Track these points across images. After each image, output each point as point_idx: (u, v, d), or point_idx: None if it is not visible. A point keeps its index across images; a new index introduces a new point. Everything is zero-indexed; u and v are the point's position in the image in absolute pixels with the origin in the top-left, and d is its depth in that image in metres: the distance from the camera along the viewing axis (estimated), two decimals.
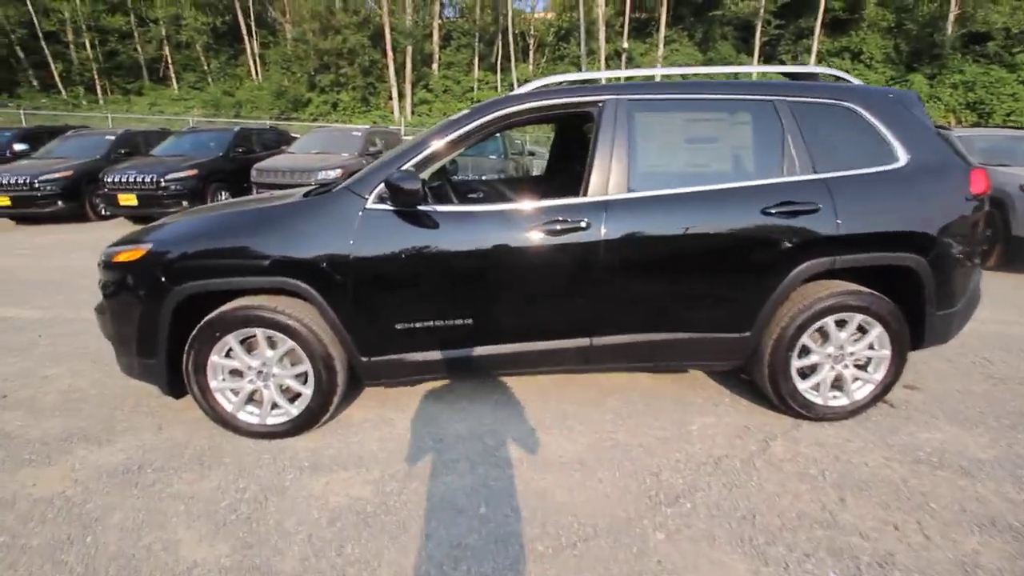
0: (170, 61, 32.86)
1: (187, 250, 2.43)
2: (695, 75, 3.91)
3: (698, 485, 2.23)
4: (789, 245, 2.45)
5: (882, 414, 2.82)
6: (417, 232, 2.38)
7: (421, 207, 2.38)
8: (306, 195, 2.65)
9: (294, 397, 2.60)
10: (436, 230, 2.39)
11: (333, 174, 8.71)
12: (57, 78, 30.23)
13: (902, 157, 2.54)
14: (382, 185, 2.37)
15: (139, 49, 32.16)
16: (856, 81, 2.72)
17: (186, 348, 2.46)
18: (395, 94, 31.89)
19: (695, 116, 2.53)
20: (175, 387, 2.58)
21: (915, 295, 2.59)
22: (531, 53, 35.74)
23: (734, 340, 2.60)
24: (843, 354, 2.65)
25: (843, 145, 2.53)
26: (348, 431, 2.66)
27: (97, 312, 2.69)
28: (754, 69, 2.82)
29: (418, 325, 2.46)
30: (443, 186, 3.34)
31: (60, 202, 9.26)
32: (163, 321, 2.43)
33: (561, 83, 2.60)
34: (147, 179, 8.78)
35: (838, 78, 2.74)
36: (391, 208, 2.39)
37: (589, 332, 2.54)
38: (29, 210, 9.15)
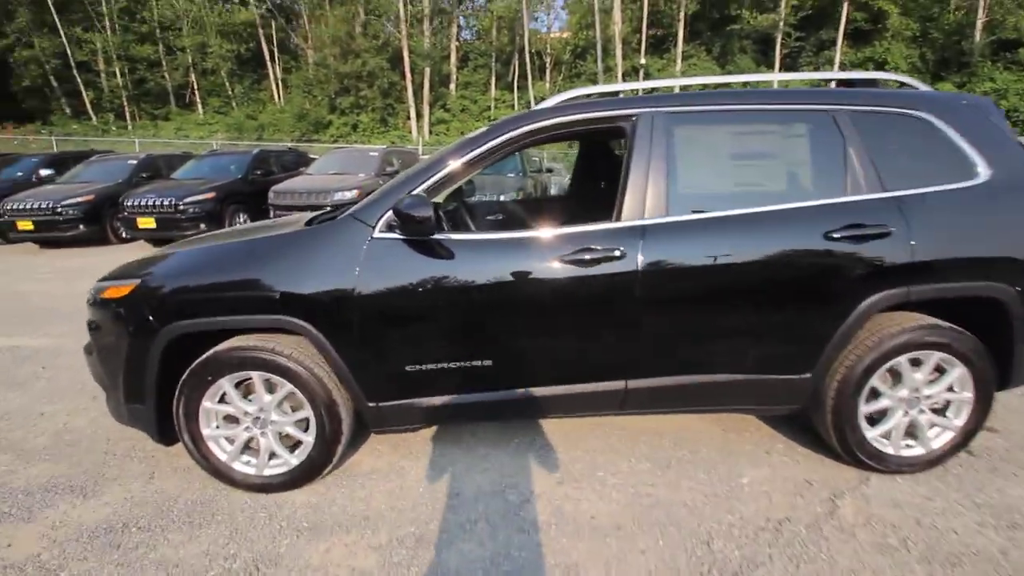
0: (196, 87, 33.74)
1: (177, 285, 2.21)
2: (736, 85, 3.62)
3: (758, 559, 1.89)
4: (857, 274, 2.13)
5: (962, 465, 2.45)
6: (430, 263, 2.13)
7: (434, 236, 2.12)
8: (309, 223, 2.42)
9: (294, 446, 2.34)
10: (451, 261, 2.13)
11: (350, 195, 8.60)
12: (88, 105, 31.21)
13: (983, 172, 2.21)
14: (390, 212, 2.13)
15: (166, 76, 33.09)
16: (924, 87, 2.41)
17: (176, 393, 2.22)
18: (413, 114, 32.22)
19: (742, 129, 2.25)
20: (166, 434, 2.34)
21: (1001, 329, 2.24)
22: (548, 71, 35.86)
23: (792, 382, 2.27)
24: (918, 397, 2.30)
25: (914, 159, 2.22)
26: (354, 483, 2.39)
27: (85, 352, 2.48)
28: (804, 76, 2.52)
29: (431, 367, 2.19)
30: (458, 209, 3.09)
31: (82, 226, 9.32)
32: (151, 363, 2.21)
33: (589, 96, 2.34)
34: (165, 202, 8.79)
35: (902, 84, 2.44)
36: (401, 237, 2.14)
37: (624, 374, 2.24)
38: (52, 234, 9.22)
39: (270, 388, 2.26)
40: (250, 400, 2.28)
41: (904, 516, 2.10)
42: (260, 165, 10.50)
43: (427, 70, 32.16)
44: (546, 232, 2.18)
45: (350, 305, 2.11)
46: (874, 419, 2.35)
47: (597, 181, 3.49)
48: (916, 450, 2.38)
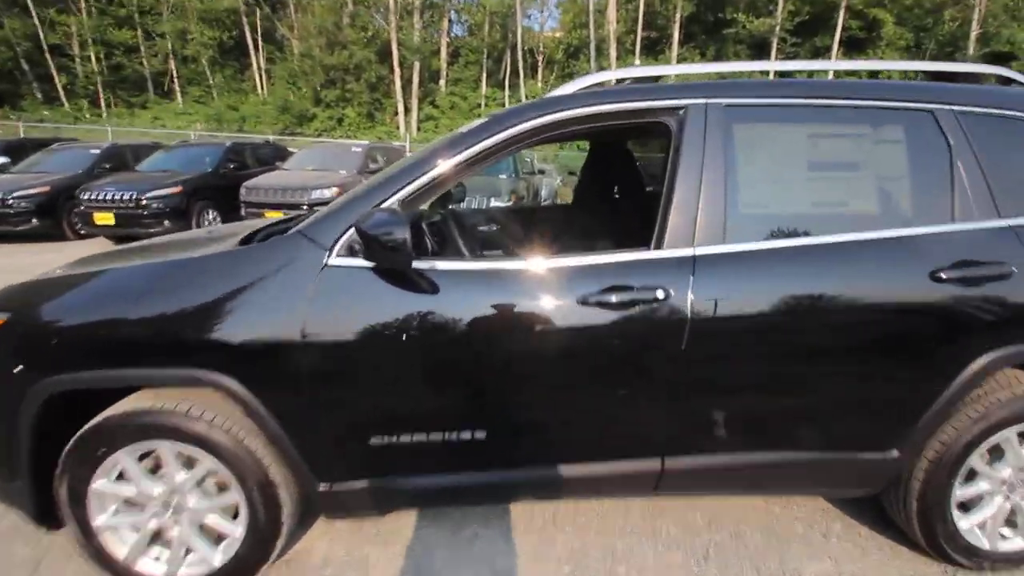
0: (175, 75, 32.53)
1: (57, 324, 1.62)
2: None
3: None
4: (969, 326, 1.62)
5: None
6: (406, 301, 1.57)
7: (413, 264, 1.56)
8: (247, 239, 1.83)
9: (220, 538, 1.76)
10: (435, 298, 1.58)
11: (329, 193, 7.97)
12: (61, 91, 29.89)
13: None
14: (353, 231, 1.56)
15: (145, 63, 31.81)
16: None
17: (58, 470, 1.64)
18: (401, 110, 31.42)
19: (822, 130, 1.71)
20: (48, 517, 1.75)
21: None
22: (540, 70, 35.29)
23: (874, 462, 1.76)
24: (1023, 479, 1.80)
25: None
26: None
27: None
28: (903, 66, 1.96)
29: (405, 439, 1.63)
30: (444, 221, 2.52)
31: (35, 220, 8.56)
32: (23, 428, 1.62)
33: (622, 81, 1.79)
34: (125, 196, 8.07)
35: (1011, 80, 1.92)
36: (367, 265, 1.57)
37: (661, 450, 1.70)
38: (0, 227, 8.45)
39: (186, 463, 1.68)
40: (159, 479, 1.69)
41: None
42: (233, 158, 9.81)
43: (416, 64, 31.40)
44: (561, 261, 1.62)
45: (294, 356, 1.54)
46: (966, 505, 1.86)
47: (612, 190, 2.94)
48: (1016, 542, 1.88)
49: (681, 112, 1.67)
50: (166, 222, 8.14)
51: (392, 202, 1.59)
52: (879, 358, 1.64)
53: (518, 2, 32.78)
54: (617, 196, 2.84)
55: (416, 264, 1.57)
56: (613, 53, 31.29)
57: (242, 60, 34.67)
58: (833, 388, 1.66)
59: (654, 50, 33.89)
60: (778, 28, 29.57)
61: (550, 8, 37.61)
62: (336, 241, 1.57)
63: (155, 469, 1.70)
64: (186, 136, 22.60)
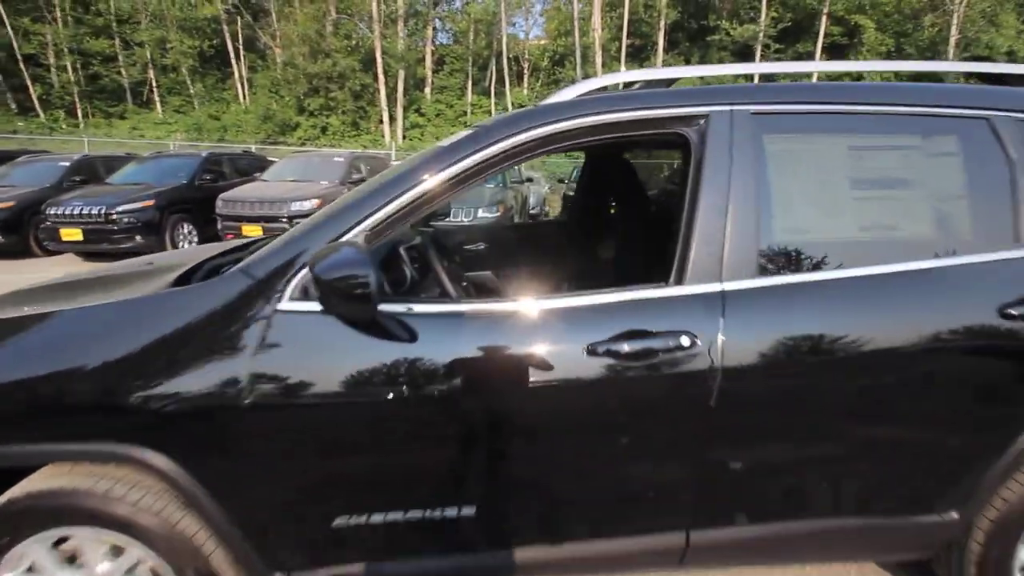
0: (155, 84, 31.87)
1: None
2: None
3: None
4: None
5: None
6: (375, 352, 1.29)
7: (384, 307, 1.28)
8: (183, 278, 1.54)
9: None
10: (411, 347, 1.30)
11: (309, 205, 7.66)
12: (36, 101, 29.15)
13: None
14: (307, 270, 1.28)
15: (123, 72, 31.12)
16: None
17: None
18: (386, 118, 31.07)
19: (865, 141, 1.46)
20: None
21: None
22: (526, 77, 35.18)
23: (930, 525, 1.50)
24: None
25: None
26: None
27: None
28: (946, 67, 1.73)
29: (377, 520, 1.34)
30: (425, 245, 2.24)
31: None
32: None
33: (630, 85, 1.53)
34: (94, 211, 7.69)
35: None
36: (324, 311, 1.29)
37: (685, 522, 1.43)
38: None
39: (111, 552, 1.38)
40: (79, 568, 1.39)
41: None
42: (210, 169, 9.44)
43: (401, 72, 31.10)
44: (562, 301, 1.36)
45: (235, 424, 1.25)
46: None
47: (611, 207, 2.68)
48: None
49: (701, 121, 1.41)
50: (137, 237, 7.78)
51: (356, 233, 1.32)
52: (940, 408, 1.40)
53: (503, 10, 32.69)
54: (618, 214, 2.57)
55: (389, 308, 1.29)
56: (599, 60, 31.30)
57: (223, 69, 34.09)
58: (887, 445, 1.42)
59: (639, 57, 33.98)
60: (761, 35, 29.78)
61: (535, 16, 37.69)
62: (287, 282, 1.28)
63: (73, 558, 1.40)
64: (165, 147, 22.08)
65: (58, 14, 29.61)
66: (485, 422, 1.33)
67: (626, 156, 2.67)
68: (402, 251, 2.00)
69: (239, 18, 32.56)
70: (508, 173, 9.12)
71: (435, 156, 1.42)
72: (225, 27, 32.52)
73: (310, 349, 1.27)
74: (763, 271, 1.35)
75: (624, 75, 1.55)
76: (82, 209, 7.71)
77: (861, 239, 1.42)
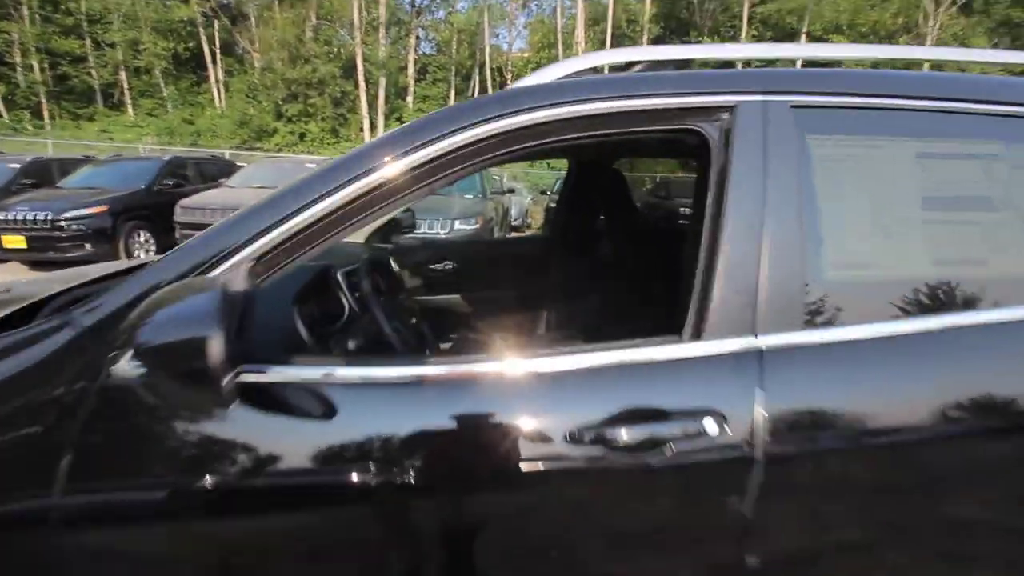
0: (126, 87, 30.90)
1: None
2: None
3: None
4: None
5: None
6: (268, 434, 0.88)
7: (303, 373, 0.88)
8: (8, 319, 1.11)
9: None
10: (325, 425, 0.89)
11: None
12: None
13: None
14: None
15: (93, 73, 30.13)
16: None
17: None
18: (367, 126, 30.59)
19: (937, 147, 1.10)
20: None
21: None
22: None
23: None
24: None
25: None
26: None
27: None
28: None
29: None
30: (382, 263, 1.83)
31: None
32: None
33: (629, 65, 1.16)
34: (39, 217, 7.11)
35: None
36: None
37: None
38: None
39: None
40: None
41: None
42: (173, 174, 8.89)
43: (382, 80, 30.72)
44: (537, 363, 0.96)
45: (42, 540, 0.83)
46: None
47: (592, 218, 2.31)
48: None
49: (725, 115, 1.04)
50: (87, 246, 7.22)
51: (236, 261, 0.91)
52: None
53: (486, 20, 32.62)
54: (607, 238, 2.17)
55: (309, 372, 0.89)
56: None
57: (199, 72, 33.29)
58: (981, 551, 1.05)
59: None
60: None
61: (518, 28, 37.71)
62: (127, 336, 0.87)
63: None
64: (135, 150, 21.29)
65: (25, 12, 28.58)
66: (430, 539, 0.93)
67: (614, 165, 2.31)
68: (340, 276, 1.59)
69: (216, 21, 31.89)
70: (488, 183, 8.75)
71: (344, 164, 1.01)
72: (201, 30, 31.82)
73: (146, 440, 0.86)
74: (812, 320, 0.98)
75: (622, 52, 1.18)
76: (27, 215, 7.12)
77: (942, 276, 1.05)
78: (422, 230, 6.50)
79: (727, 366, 0.94)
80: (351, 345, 1.33)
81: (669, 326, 0.99)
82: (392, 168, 0.97)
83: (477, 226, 6.95)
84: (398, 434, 0.90)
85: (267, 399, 0.86)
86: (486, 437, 0.91)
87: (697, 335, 0.97)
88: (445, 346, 2.13)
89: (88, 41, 30.03)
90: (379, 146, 1.01)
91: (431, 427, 0.91)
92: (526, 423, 0.91)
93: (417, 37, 35.06)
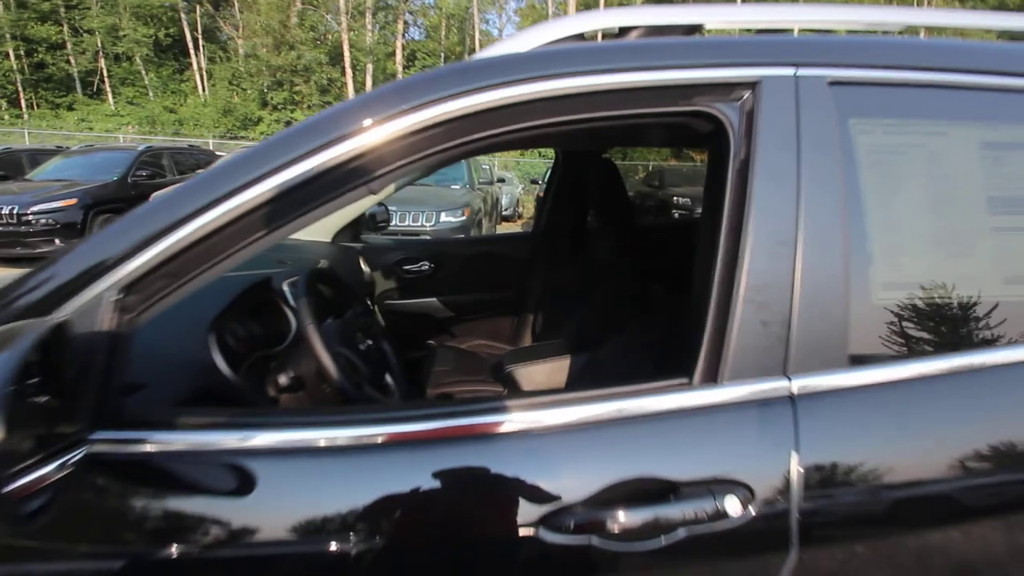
0: (106, 74, 30.06)
1: None
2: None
3: None
4: None
5: None
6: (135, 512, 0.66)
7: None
8: None
9: None
10: (239, 505, 0.67)
11: None
12: None
13: None
14: None
15: (71, 61, 29.28)
16: None
17: None
18: None
19: (1016, 135, 0.88)
20: None
21: None
22: None
23: None
24: None
25: None
26: None
27: None
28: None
29: None
30: (348, 266, 1.60)
31: None
32: None
33: (624, 31, 0.93)
34: (4, 211, 6.80)
35: None
36: None
37: None
38: None
39: None
40: None
41: None
42: (148, 164, 8.57)
43: (370, 67, 30.15)
44: (495, 416, 0.74)
45: None
46: None
47: (581, 216, 2.08)
48: None
49: (746, 93, 0.82)
50: (56, 240, 6.92)
51: (100, 291, 0.68)
52: None
53: (475, 5, 32.05)
54: (601, 237, 1.93)
55: (208, 438, 0.66)
56: None
57: (181, 60, 32.49)
58: None
59: None
60: None
61: (508, 13, 37.16)
62: None
63: None
64: (115, 140, 20.73)
65: None
66: None
67: (605, 155, 2.08)
68: (286, 287, 1.37)
69: (198, 7, 31.07)
70: (476, 173, 8.48)
71: (246, 160, 0.77)
72: (183, 15, 31.00)
73: None
74: (858, 357, 0.76)
75: (615, 14, 0.94)
76: None
77: (1015, 295, 0.84)
78: (405, 223, 6.25)
79: (751, 419, 0.73)
80: (284, 381, 1.10)
81: (675, 365, 0.77)
82: (294, 171, 0.74)
83: (463, 218, 6.71)
84: (321, 513, 0.68)
85: (131, 475, 0.64)
86: (426, 531, 0.69)
87: (712, 378, 0.75)
88: (412, 356, 1.91)
89: (66, 27, 29.16)
90: (272, 147, 0.76)
91: (358, 504, 0.69)
92: (488, 504, 0.69)
93: (405, 22, 34.40)
